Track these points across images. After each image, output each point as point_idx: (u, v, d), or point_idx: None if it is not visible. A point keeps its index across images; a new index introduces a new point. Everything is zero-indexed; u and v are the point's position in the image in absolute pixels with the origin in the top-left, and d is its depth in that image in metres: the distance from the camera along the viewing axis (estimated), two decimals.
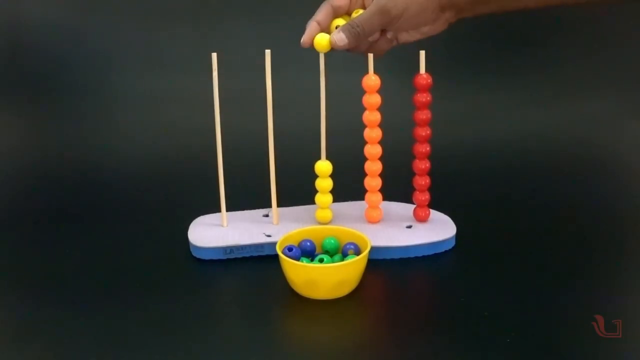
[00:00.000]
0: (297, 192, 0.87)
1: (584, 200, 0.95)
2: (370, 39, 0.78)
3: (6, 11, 1.16)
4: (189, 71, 1.13)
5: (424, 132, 0.82)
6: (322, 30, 0.76)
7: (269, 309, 0.73)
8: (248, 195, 0.89)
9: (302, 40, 0.76)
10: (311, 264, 0.72)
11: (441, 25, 0.79)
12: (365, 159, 0.84)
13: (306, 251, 0.77)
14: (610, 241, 0.84)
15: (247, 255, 0.81)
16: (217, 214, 0.86)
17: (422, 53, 0.79)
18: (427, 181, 0.84)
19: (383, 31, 0.78)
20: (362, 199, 0.86)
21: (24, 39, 1.16)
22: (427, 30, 0.79)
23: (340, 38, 0.75)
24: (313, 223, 0.85)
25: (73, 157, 1.10)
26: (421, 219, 0.85)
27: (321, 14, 0.77)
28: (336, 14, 0.77)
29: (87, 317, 0.71)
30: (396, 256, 0.80)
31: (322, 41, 0.75)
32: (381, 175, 0.84)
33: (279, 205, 0.85)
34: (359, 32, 0.75)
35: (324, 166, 0.83)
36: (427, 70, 0.80)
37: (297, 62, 1.00)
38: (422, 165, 0.83)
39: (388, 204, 0.87)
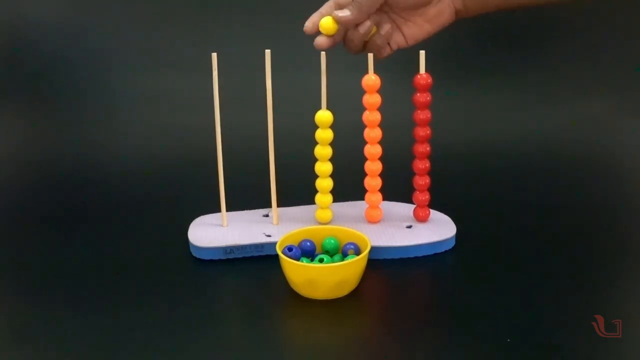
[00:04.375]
0: (297, 192, 0.87)
1: (583, 200, 0.95)
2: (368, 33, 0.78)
3: (6, 11, 1.16)
4: (189, 71, 1.13)
5: (423, 132, 0.82)
6: None
7: (269, 309, 0.73)
8: (248, 195, 0.89)
9: (305, 26, 0.78)
10: (311, 264, 0.72)
11: (447, 11, 0.79)
12: (365, 159, 0.84)
13: (306, 251, 0.77)
14: (610, 241, 0.84)
15: (247, 255, 0.81)
16: (217, 214, 0.86)
17: (422, 53, 0.79)
18: (427, 181, 0.84)
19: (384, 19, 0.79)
20: (362, 199, 0.86)
21: (24, 39, 1.16)
22: (433, 14, 0.79)
23: (343, 12, 0.76)
24: (313, 223, 0.85)
25: (73, 157, 1.10)
26: (421, 219, 0.85)
27: (326, 7, 0.78)
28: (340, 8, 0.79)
29: (87, 317, 0.71)
30: (396, 256, 0.80)
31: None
32: (381, 175, 0.84)
33: (279, 205, 0.85)
34: (361, 4, 0.76)
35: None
36: (427, 70, 0.80)
37: (297, 62, 1.00)
38: (422, 165, 0.83)
39: (388, 204, 0.87)
